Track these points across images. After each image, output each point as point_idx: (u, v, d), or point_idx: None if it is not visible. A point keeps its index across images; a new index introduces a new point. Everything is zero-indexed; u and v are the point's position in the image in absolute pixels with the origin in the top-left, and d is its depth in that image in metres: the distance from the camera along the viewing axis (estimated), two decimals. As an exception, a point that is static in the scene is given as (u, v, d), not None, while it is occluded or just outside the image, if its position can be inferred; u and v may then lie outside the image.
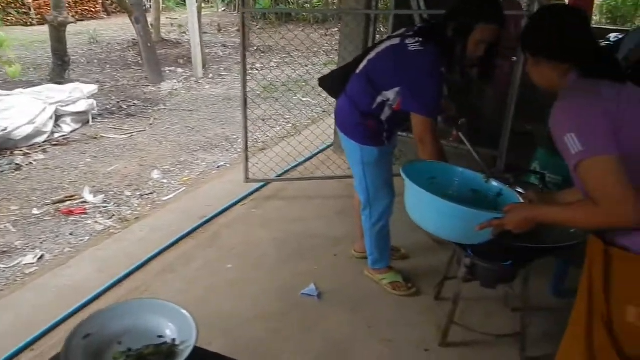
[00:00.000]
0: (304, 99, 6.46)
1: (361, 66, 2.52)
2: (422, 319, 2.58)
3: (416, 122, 2.31)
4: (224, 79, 8.02)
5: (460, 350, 2.40)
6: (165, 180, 4.39)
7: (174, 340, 1.31)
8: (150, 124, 5.83)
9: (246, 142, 3.80)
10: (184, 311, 1.33)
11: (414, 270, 2.94)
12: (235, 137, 5.36)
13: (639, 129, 1.34)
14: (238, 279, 2.87)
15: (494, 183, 2.07)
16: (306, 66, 7.00)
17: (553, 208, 1.60)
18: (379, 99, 2.42)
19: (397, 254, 3.05)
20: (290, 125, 5.80)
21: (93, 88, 5.99)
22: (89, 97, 5.75)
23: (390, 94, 2.38)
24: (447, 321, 2.39)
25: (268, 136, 5.37)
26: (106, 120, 5.86)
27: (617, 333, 1.40)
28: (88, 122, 5.66)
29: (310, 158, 4.48)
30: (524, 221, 1.60)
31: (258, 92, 6.25)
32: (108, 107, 6.32)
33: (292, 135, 5.20)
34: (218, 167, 4.71)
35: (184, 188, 4.23)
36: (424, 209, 1.89)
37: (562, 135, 1.33)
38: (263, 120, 5.51)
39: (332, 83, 2.75)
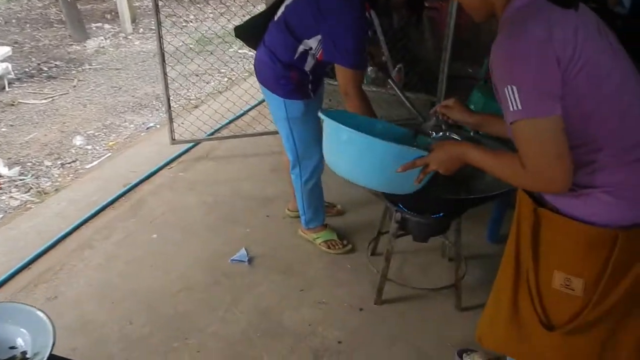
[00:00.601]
0: (240, 51, 6.12)
1: (279, 12, 2.28)
2: (358, 278, 2.48)
3: (340, 75, 2.13)
4: (155, 33, 7.50)
5: (396, 306, 2.32)
6: (89, 147, 4.08)
7: (24, 353, 1.09)
8: (74, 86, 5.41)
9: (168, 100, 3.52)
10: (40, 314, 1.10)
11: (350, 226, 2.82)
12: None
13: (598, 67, 1.14)
14: (163, 250, 2.67)
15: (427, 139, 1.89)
16: (243, 16, 6.60)
17: (483, 151, 1.37)
18: (301, 49, 2.21)
19: (333, 210, 2.92)
20: (227, 79, 5.50)
21: (7, 50, 5.48)
22: (2, 60, 5.27)
23: (313, 42, 2.18)
24: (381, 279, 2.29)
25: (203, 92, 5.06)
26: (25, 85, 5.40)
27: (544, 299, 1.31)
28: (3, 87, 5.19)
29: (244, 114, 4.23)
30: (450, 160, 1.46)
31: (191, 46, 5.88)
32: (27, 70, 5.82)
33: (229, 90, 4.92)
34: (147, 128, 4.41)
35: (110, 154, 3.94)
36: (341, 150, 1.72)
37: (502, 84, 1.14)
38: (197, 75, 5.19)
39: (249, 33, 2.50)
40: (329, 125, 1.73)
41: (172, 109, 3.60)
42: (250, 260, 2.58)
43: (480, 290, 2.38)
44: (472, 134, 2.20)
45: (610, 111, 1.15)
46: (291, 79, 2.28)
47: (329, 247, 2.67)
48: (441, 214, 2.13)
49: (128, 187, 3.20)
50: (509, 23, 1.18)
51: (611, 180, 1.08)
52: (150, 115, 4.67)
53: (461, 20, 3.59)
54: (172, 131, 3.56)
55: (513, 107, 1.12)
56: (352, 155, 1.69)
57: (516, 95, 1.10)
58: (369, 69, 3.33)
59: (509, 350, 1.49)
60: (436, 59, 3.66)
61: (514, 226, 1.41)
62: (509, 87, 1.11)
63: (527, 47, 1.11)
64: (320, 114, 1.76)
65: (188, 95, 4.91)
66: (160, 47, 3.35)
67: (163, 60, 3.39)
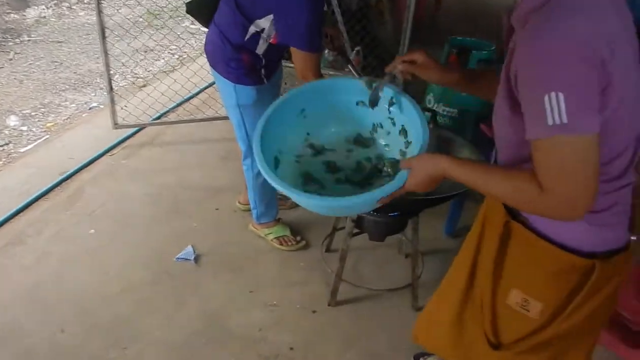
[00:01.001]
0: (192, 27, 5.80)
1: (229, -12, 2.08)
2: (311, 277, 2.36)
3: (296, 58, 1.96)
4: (102, 3, 7.05)
5: (351, 308, 2.21)
6: (24, 128, 3.75)
7: None
8: (10, 60, 4.99)
9: (110, 81, 3.27)
10: None
11: (304, 221, 2.68)
12: (111, 72, 4.70)
13: (625, 88, 0.94)
14: (101, 246, 2.47)
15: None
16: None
17: (470, 166, 1.11)
18: (252, 30, 2.02)
19: (286, 204, 2.77)
20: (177, 57, 5.20)
21: None
22: None
23: (264, 23, 1.99)
24: (335, 279, 2.17)
25: (150, 71, 4.77)
26: (-46, 58, 4.96)
27: (496, 314, 1.22)
28: None
29: (193, 96, 3.98)
30: (430, 181, 1.19)
31: (140, 19, 5.52)
32: (-43, 41, 5.35)
33: (177, 70, 4.64)
34: (90, 108, 4.11)
35: (47, 136, 3.64)
36: (311, 205, 1.44)
37: (539, 89, 0.90)
38: (145, 52, 4.88)
39: (201, 9, 2.29)
40: (288, 191, 1.34)
41: (115, 89, 3.35)
42: (196, 259, 2.42)
43: (437, 287, 2.30)
44: (430, 125, 2.09)
45: (620, 139, 1.01)
46: (242, 62, 2.09)
47: (281, 244, 2.53)
48: (397, 213, 2.02)
49: (65, 175, 2.95)
50: (548, 11, 0.93)
51: (595, 206, 0.97)
52: (93, 95, 4.35)
53: (421, 2, 3.45)
54: (114, 114, 3.31)
55: (553, 119, 0.89)
56: (325, 211, 1.53)
57: (562, 106, 0.88)
58: (326, 51, 3.17)
59: (443, 353, 1.44)
60: (395, 42, 3.53)
61: (476, 228, 1.30)
62: (552, 94, 0.88)
63: (578, 43, 0.88)
64: (255, 147, 1.42)
65: (136, 73, 4.61)
66: (100, 20, 3.07)
67: (103, 36, 3.12)
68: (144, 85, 4.30)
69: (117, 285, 2.25)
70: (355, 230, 2.12)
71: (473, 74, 1.44)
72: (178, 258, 2.40)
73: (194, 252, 2.44)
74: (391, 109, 1.47)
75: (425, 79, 1.39)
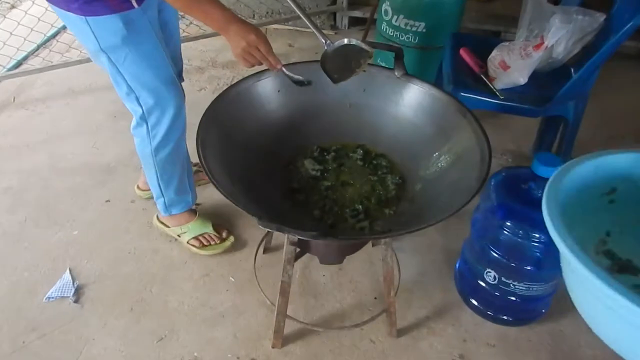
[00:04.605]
0: None
1: None
2: (245, 300, 1.66)
3: None
4: None
5: (305, 348, 1.54)
6: None
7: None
8: None
9: None
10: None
11: (231, 207, 1.91)
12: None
13: None
14: None
15: None
16: None
17: None
18: None
19: (205, 178, 1.97)
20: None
21: None
22: None
23: None
24: (278, 317, 1.48)
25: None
26: None
27: None
28: None
29: (59, 32, 2.94)
30: None
31: None
32: None
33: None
34: None
35: None
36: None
37: None
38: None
39: None
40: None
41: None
42: (77, 292, 1.67)
43: (416, 293, 1.67)
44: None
45: None
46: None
47: (202, 246, 1.80)
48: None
49: None
50: None
51: None
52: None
53: None
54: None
55: None
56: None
57: None
58: None
59: None
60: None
61: None
62: None
63: None
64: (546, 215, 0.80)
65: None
66: None
67: None
68: None
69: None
70: (298, 254, 1.40)
71: None
72: (49, 297, 1.64)
73: (73, 281, 1.69)
74: None
75: None
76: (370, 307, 1.63)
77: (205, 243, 1.81)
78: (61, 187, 2.01)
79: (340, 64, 1.32)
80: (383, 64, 2.41)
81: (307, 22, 1.30)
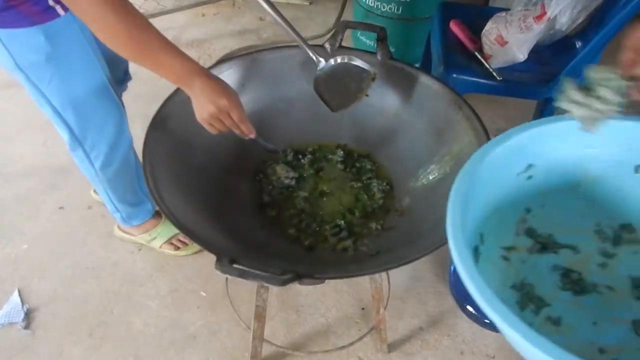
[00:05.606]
0: None
1: None
2: (218, 317, 1.48)
3: None
4: None
5: (287, 371, 1.39)
6: None
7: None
8: None
9: None
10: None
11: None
12: None
13: None
14: None
15: None
16: None
17: None
18: None
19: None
20: None
21: None
22: None
23: None
24: (254, 342, 1.31)
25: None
26: None
27: None
28: None
29: None
30: None
31: None
32: None
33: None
34: None
35: None
36: None
37: None
38: None
39: None
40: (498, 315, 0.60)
41: None
42: (28, 317, 1.47)
43: (408, 301, 1.51)
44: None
45: None
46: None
47: (176, 248, 1.63)
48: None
49: None
50: None
51: None
52: None
53: None
54: None
55: None
56: None
57: None
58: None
59: None
60: None
61: None
62: None
63: None
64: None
65: None
66: None
67: None
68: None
69: None
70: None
71: None
72: (-5, 325, 1.46)
73: (23, 304, 1.49)
74: None
75: None
76: (357, 319, 1.47)
77: (180, 245, 1.64)
78: (7, 195, 1.79)
79: (337, 87, 1.10)
80: (364, 39, 2.19)
81: (292, 34, 1.07)
